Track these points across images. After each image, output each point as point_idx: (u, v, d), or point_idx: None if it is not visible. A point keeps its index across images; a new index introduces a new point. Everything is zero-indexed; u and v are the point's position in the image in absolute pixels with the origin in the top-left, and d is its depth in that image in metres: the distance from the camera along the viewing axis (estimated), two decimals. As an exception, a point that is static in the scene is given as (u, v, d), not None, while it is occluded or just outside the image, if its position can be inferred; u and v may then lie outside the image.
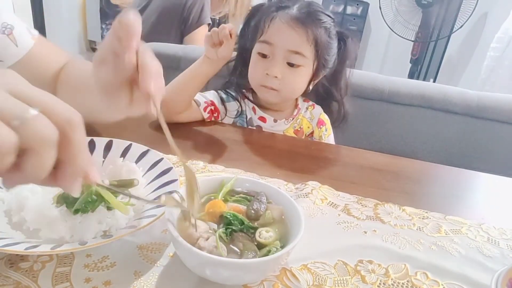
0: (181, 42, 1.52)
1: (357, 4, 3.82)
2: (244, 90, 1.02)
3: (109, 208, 0.51)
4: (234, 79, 1.02)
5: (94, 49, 3.89)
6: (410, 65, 3.09)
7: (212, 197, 0.54)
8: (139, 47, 0.42)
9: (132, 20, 0.40)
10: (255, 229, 0.49)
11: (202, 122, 0.93)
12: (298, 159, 0.83)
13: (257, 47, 0.91)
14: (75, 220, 0.49)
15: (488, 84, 2.18)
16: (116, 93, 0.44)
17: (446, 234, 0.63)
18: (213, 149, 0.83)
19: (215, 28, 0.85)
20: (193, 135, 0.87)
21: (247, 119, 1.01)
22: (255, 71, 0.93)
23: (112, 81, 0.43)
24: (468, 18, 2.54)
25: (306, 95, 1.02)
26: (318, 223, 0.62)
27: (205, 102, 0.96)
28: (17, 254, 0.47)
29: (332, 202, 0.68)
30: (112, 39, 0.41)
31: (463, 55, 3.14)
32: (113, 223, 0.51)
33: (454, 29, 2.60)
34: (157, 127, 0.87)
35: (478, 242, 0.62)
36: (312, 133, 1.03)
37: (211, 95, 1.00)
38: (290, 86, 0.91)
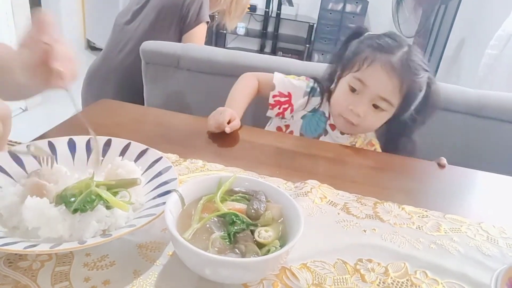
0: (180, 40, 1.51)
1: (356, 2, 3.82)
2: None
3: (108, 207, 0.51)
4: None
5: (92, 48, 3.88)
6: (409, 63, 3.09)
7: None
8: (54, 37, 0.56)
9: (47, 16, 0.56)
10: (255, 226, 0.49)
11: (201, 120, 0.93)
12: (298, 157, 0.83)
13: (349, 80, 0.92)
14: (74, 219, 0.49)
15: (487, 83, 2.18)
16: (34, 71, 0.57)
17: (445, 232, 0.63)
18: (213, 148, 0.82)
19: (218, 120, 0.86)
20: (192, 133, 0.86)
21: (326, 121, 1.02)
22: (340, 102, 0.95)
23: (30, 61, 0.57)
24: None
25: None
26: (318, 222, 0.62)
27: (279, 92, 1.02)
28: (16, 253, 0.47)
29: (332, 201, 0.68)
30: (32, 29, 0.56)
31: (463, 54, 3.13)
32: (112, 222, 0.51)
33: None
34: (157, 126, 0.87)
35: (477, 241, 0.62)
36: None
37: (294, 86, 1.03)
38: (368, 125, 0.95)
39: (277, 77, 1.04)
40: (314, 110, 1.03)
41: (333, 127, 1.01)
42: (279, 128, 1.07)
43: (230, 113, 0.87)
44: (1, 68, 0.66)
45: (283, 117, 1.06)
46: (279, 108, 1.04)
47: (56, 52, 0.56)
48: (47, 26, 0.56)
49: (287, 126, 1.06)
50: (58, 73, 0.56)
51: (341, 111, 0.94)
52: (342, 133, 1.00)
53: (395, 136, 1.01)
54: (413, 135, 1.00)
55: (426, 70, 0.91)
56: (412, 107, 0.93)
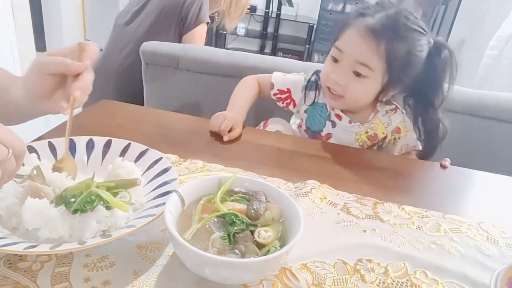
0: (179, 41, 1.51)
1: (356, 3, 3.82)
2: None
3: (108, 208, 0.51)
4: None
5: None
6: (409, 63, 3.09)
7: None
8: (89, 66, 0.59)
9: (95, 46, 0.61)
10: (255, 226, 0.50)
11: (201, 120, 0.93)
12: (298, 158, 0.83)
13: (332, 50, 0.92)
14: (74, 220, 0.49)
15: (487, 83, 2.18)
16: (44, 82, 0.59)
17: (445, 233, 0.63)
18: (213, 148, 0.82)
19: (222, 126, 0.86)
20: (192, 133, 0.86)
21: (328, 112, 1.01)
22: (324, 72, 0.94)
23: (45, 68, 0.59)
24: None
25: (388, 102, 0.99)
26: (318, 222, 0.62)
27: (278, 90, 1.04)
28: (16, 254, 0.47)
29: (332, 201, 0.68)
30: (71, 48, 0.60)
31: (463, 54, 3.14)
32: (112, 223, 0.51)
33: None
34: (157, 127, 0.87)
35: (477, 241, 0.62)
36: (385, 137, 1.01)
37: (293, 81, 1.03)
38: (352, 94, 0.91)
39: (275, 76, 1.05)
40: (313, 103, 1.03)
41: (339, 117, 0.99)
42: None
43: (233, 122, 0.87)
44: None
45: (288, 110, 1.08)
46: (282, 103, 1.06)
47: (83, 79, 0.58)
48: (92, 53, 0.60)
49: (301, 120, 1.06)
50: (69, 97, 0.58)
51: (325, 81, 0.94)
52: (350, 122, 0.99)
53: (420, 116, 0.96)
54: (437, 114, 0.94)
55: (421, 33, 0.85)
56: (405, 74, 0.87)
